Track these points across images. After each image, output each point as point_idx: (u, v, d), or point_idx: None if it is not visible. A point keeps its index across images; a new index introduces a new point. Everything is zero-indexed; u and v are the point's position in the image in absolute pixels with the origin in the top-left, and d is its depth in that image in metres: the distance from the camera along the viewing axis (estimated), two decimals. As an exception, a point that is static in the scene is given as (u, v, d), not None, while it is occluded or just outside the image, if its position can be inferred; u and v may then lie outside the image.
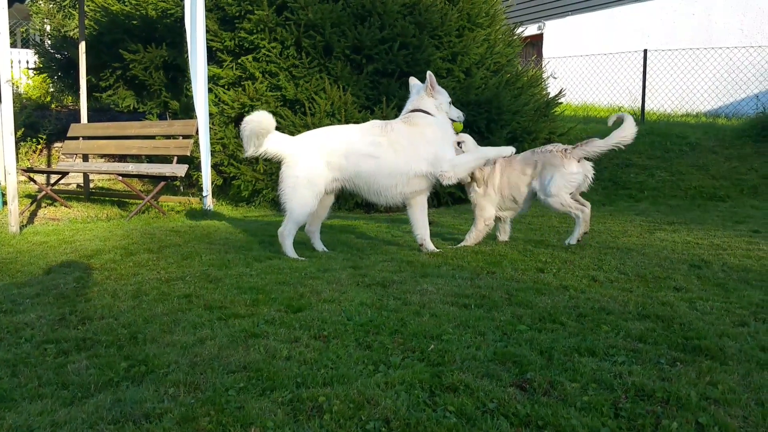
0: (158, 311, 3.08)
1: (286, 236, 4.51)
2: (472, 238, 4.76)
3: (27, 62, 13.68)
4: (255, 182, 7.60)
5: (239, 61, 7.90)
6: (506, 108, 7.77)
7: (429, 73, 4.67)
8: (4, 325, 2.89)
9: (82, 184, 8.95)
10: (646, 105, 11.02)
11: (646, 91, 10.99)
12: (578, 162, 4.54)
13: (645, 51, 10.89)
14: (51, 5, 11.35)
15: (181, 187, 8.86)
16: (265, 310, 3.08)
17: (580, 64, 12.93)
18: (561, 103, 8.84)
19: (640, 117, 10.90)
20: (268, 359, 2.40)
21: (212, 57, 8.23)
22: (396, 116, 7.30)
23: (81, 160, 8.57)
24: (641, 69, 10.99)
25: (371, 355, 2.45)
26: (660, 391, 2.08)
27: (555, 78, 10.79)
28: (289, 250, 4.49)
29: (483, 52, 8.06)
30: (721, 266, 3.99)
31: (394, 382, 2.18)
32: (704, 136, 9.28)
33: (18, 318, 3.01)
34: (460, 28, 7.92)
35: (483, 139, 7.79)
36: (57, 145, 10.57)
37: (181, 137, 7.24)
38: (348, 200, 7.52)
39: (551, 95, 8.86)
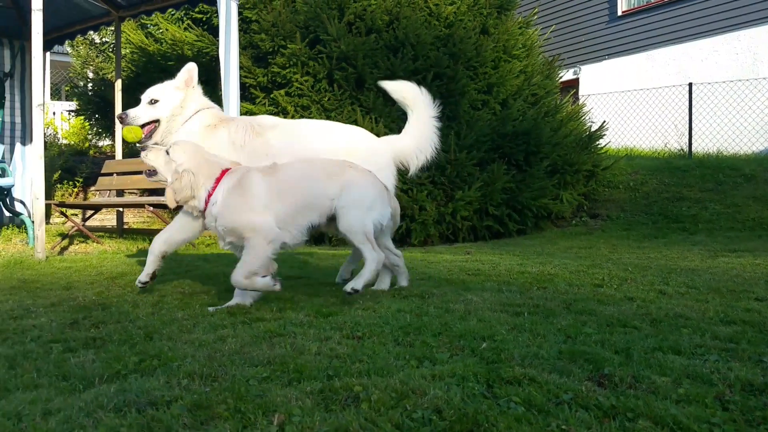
0: (178, 316, 2.83)
1: None
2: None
3: (68, 113, 14.04)
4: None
5: (272, 96, 7.85)
6: (546, 140, 7.50)
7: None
8: (11, 328, 2.65)
9: (116, 224, 8.88)
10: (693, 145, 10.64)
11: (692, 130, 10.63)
12: None
13: (690, 84, 10.58)
14: (90, 50, 11.68)
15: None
16: (293, 315, 2.80)
17: (619, 101, 12.65)
18: (604, 135, 8.53)
19: (688, 152, 10.51)
20: (294, 354, 2.10)
21: (245, 94, 8.22)
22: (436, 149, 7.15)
23: (115, 196, 8.53)
24: (684, 105, 10.67)
25: (413, 351, 2.13)
26: (775, 385, 1.71)
27: (593, 123, 10.58)
28: None
29: (520, 84, 7.87)
30: (804, 281, 3.56)
31: (442, 375, 1.85)
32: (759, 167, 8.80)
33: (27, 322, 2.77)
34: (496, 60, 7.77)
35: (521, 171, 7.53)
36: (92, 188, 10.63)
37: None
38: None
39: (593, 129, 8.58)
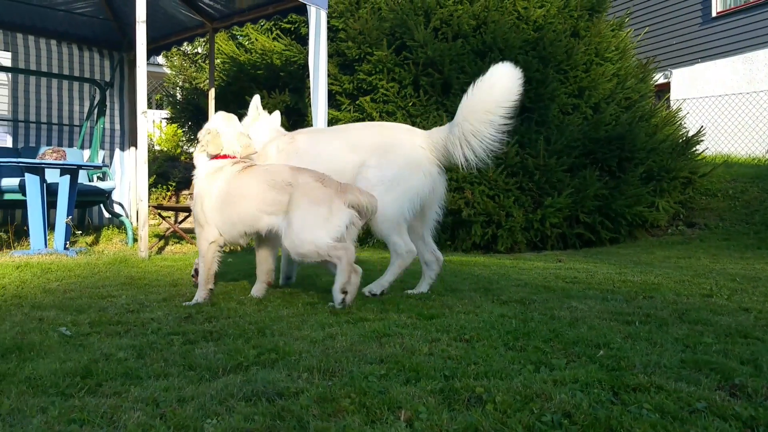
0: (284, 314, 2.91)
1: None
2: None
3: (161, 120, 14.76)
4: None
5: (357, 102, 7.96)
6: (641, 145, 7.23)
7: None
8: (132, 320, 2.80)
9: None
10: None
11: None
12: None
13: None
14: (183, 61, 12.24)
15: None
16: (395, 316, 2.82)
17: (714, 106, 12.04)
18: (702, 141, 8.14)
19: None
20: (406, 354, 2.11)
21: (331, 101, 8.37)
22: (517, 153, 7.03)
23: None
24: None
25: (527, 356, 2.09)
26: None
27: (685, 128, 10.11)
28: None
29: (613, 87, 7.63)
30: None
31: (564, 381, 1.81)
32: None
33: (145, 315, 2.92)
34: (588, 63, 7.57)
35: (614, 178, 7.29)
36: (185, 192, 11.14)
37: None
38: (464, 240, 7.17)
39: (690, 134, 8.20)
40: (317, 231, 2.99)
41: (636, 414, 1.55)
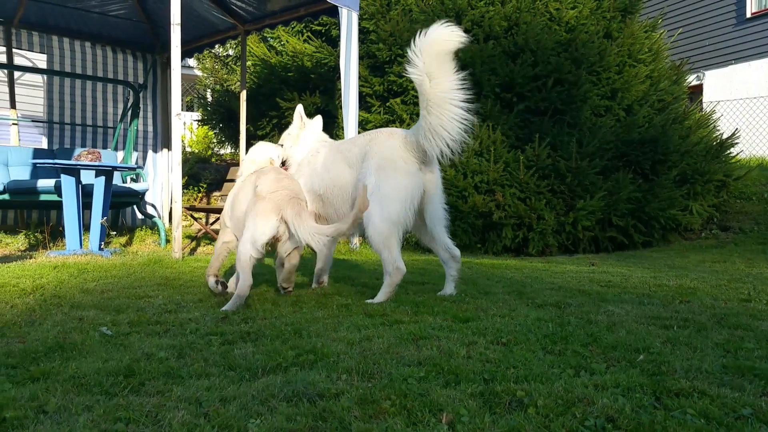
0: (319, 315, 2.93)
1: None
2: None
3: (192, 122, 14.98)
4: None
5: (387, 104, 7.98)
6: (674, 148, 7.12)
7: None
8: (170, 321, 2.84)
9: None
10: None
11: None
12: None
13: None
14: (215, 63, 12.40)
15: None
16: (430, 319, 2.82)
17: (748, 108, 11.80)
18: (736, 144, 7.98)
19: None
20: (444, 357, 2.11)
21: (362, 103, 8.41)
22: (549, 155, 6.98)
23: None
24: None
25: (566, 360, 2.08)
26: None
27: (719, 131, 9.90)
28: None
29: (646, 89, 7.53)
30: None
31: (605, 385, 1.80)
32: None
33: (182, 315, 2.96)
34: (620, 64, 7.48)
35: (647, 181, 7.20)
36: (215, 194, 11.27)
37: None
38: (495, 243, 7.14)
39: (724, 136, 8.05)
40: (246, 242, 3.20)
41: (680, 419, 1.53)
